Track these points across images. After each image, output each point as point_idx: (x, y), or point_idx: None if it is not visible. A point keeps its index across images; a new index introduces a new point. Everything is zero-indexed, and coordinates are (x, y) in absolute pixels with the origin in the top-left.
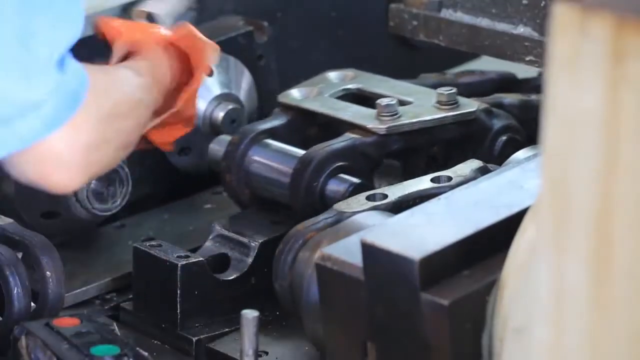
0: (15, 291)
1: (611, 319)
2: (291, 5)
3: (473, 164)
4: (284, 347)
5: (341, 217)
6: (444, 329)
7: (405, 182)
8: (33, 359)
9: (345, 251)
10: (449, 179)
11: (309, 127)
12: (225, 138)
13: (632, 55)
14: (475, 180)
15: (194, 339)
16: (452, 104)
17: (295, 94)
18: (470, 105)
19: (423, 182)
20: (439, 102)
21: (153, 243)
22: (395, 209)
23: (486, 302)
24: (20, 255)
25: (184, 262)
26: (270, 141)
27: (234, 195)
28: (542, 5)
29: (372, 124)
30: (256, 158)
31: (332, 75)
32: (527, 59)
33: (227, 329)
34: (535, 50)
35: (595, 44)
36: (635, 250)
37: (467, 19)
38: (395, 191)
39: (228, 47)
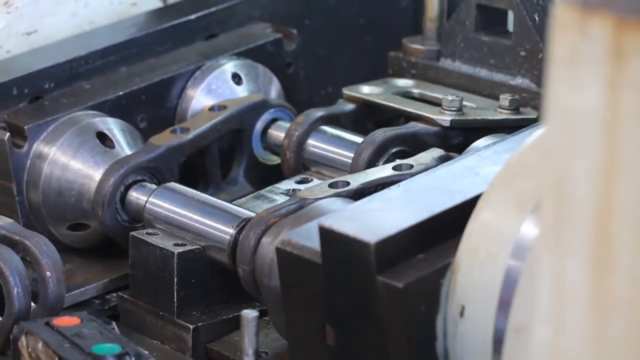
0: (15, 291)
1: (611, 319)
2: (319, 12)
3: (434, 152)
4: (284, 347)
5: (303, 204)
6: (399, 311)
7: (367, 170)
8: (34, 358)
9: (305, 236)
10: (410, 166)
11: (370, 119)
12: (284, 124)
13: (632, 55)
14: (434, 168)
15: (191, 327)
16: (514, 109)
17: (360, 89)
18: (531, 113)
19: (385, 170)
20: (501, 107)
21: (150, 231)
22: (357, 196)
23: (440, 285)
24: (20, 255)
25: (181, 250)
26: (330, 127)
27: (292, 173)
28: (539, 57)
29: (436, 116)
30: (316, 138)
31: (394, 80)
32: (525, 110)
33: (224, 317)
34: (533, 102)
35: (595, 44)
36: (635, 250)
37: (465, 68)
38: (358, 179)
39: (257, 55)
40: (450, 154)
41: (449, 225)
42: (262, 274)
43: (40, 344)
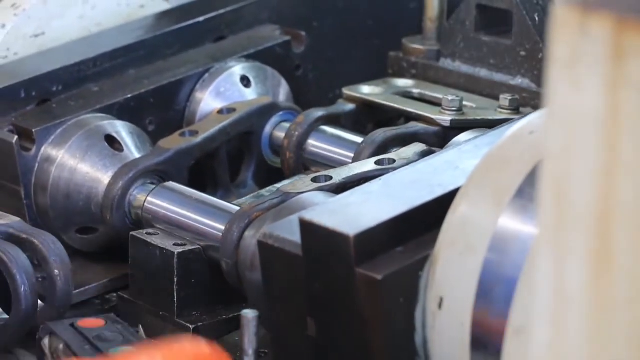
0: (22, 289)
1: (611, 319)
2: (327, 14)
3: (416, 147)
4: None
5: (286, 198)
6: (378, 303)
7: (350, 165)
8: (55, 358)
9: (287, 229)
10: (393, 161)
11: (370, 119)
12: (285, 125)
13: (632, 55)
14: (416, 162)
15: (191, 327)
16: (514, 109)
17: (360, 89)
18: (531, 113)
19: (367, 165)
20: (501, 107)
21: (150, 231)
22: (340, 190)
23: (419, 277)
24: (27, 254)
25: (181, 250)
26: (330, 127)
27: (292, 173)
28: (539, 57)
29: (436, 116)
30: (316, 138)
31: (394, 80)
32: (525, 110)
33: (224, 317)
34: (533, 102)
35: (595, 44)
36: (635, 250)
37: (465, 68)
38: (341, 173)
39: (265, 57)
40: (432, 148)
41: (428, 218)
42: (244, 267)
43: (61, 345)
